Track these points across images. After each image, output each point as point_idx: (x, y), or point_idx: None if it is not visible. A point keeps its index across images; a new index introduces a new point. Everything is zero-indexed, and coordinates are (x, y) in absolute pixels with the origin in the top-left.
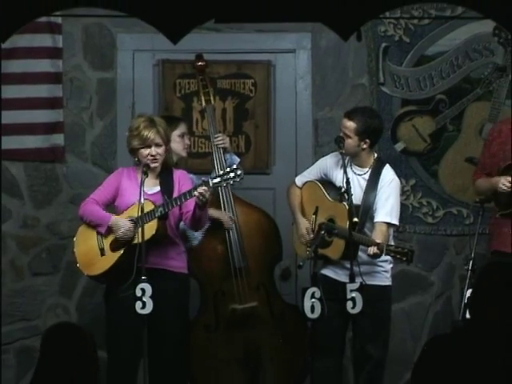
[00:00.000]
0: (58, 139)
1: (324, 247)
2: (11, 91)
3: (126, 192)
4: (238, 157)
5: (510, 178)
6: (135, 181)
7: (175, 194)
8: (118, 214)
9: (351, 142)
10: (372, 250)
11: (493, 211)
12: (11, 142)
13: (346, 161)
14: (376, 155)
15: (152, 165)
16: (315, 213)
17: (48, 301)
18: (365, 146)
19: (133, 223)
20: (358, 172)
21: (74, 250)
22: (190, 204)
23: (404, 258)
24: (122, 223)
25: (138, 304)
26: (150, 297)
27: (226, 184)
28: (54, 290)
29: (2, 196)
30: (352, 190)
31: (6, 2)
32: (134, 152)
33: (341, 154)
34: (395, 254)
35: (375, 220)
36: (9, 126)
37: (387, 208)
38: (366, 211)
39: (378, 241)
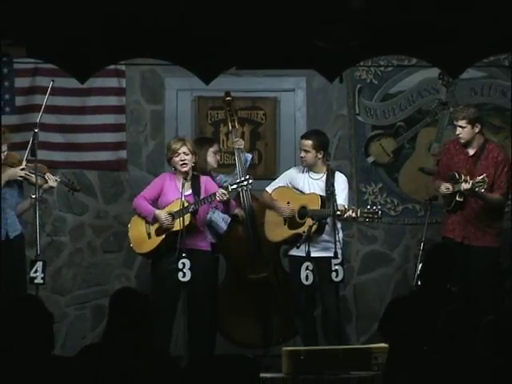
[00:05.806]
0: (122, 154)
1: (298, 227)
2: (88, 119)
3: (167, 193)
4: (250, 153)
5: (447, 185)
6: (174, 184)
7: (202, 195)
8: (161, 209)
9: (311, 156)
10: (349, 213)
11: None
12: (89, 156)
13: (305, 170)
14: (327, 165)
15: (182, 169)
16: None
17: (115, 271)
18: (320, 157)
19: (171, 216)
20: (315, 177)
21: (129, 234)
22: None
23: (376, 216)
24: (164, 216)
25: (180, 274)
26: (189, 269)
27: (241, 189)
28: (119, 264)
29: (82, 195)
30: (313, 189)
31: (83, 55)
32: (170, 162)
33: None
34: (368, 214)
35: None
36: (87, 144)
37: (343, 196)
38: (328, 200)
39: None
